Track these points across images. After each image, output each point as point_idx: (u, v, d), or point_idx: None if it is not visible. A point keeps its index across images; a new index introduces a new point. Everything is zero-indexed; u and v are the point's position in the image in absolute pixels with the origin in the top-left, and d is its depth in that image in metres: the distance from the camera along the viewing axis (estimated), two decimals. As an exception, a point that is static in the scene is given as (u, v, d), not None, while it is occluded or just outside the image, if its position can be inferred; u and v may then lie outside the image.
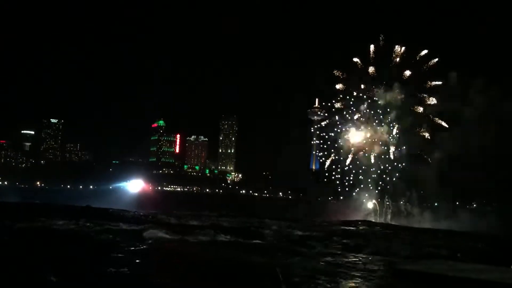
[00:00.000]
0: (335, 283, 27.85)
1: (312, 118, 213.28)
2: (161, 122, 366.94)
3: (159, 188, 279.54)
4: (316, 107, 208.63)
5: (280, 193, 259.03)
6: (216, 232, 51.45)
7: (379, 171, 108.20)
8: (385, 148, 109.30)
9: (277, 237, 51.69)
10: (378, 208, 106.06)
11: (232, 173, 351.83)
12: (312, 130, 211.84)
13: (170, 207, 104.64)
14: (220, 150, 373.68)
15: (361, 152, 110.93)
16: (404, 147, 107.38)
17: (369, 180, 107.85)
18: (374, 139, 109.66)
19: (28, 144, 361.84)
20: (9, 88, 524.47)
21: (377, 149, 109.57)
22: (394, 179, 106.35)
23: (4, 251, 34.58)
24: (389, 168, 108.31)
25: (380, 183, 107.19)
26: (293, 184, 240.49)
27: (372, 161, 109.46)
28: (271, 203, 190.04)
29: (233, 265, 33.31)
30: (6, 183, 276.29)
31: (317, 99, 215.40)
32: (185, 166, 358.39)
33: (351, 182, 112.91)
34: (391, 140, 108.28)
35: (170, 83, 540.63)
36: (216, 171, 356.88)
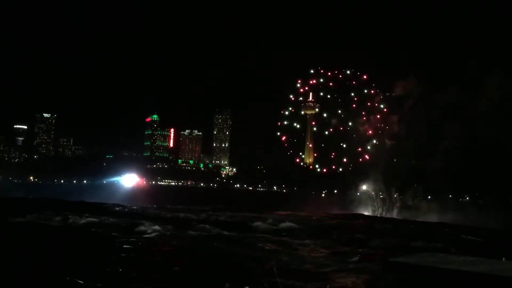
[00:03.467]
0: (326, 276, 28.00)
1: (306, 112, 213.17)
2: (155, 117, 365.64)
3: (153, 182, 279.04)
4: (310, 101, 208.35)
5: (275, 187, 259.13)
6: (209, 226, 51.67)
7: (384, 163, 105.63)
8: (394, 140, 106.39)
9: (270, 231, 51.89)
10: (375, 202, 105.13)
11: (226, 167, 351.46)
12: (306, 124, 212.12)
13: (164, 202, 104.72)
14: (214, 144, 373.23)
15: (371, 143, 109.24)
16: (413, 139, 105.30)
17: (373, 172, 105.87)
18: (384, 130, 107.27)
19: (21, 138, 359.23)
20: (1, 82, 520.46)
21: (385, 140, 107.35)
22: (400, 171, 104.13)
23: (2, 246, 34.60)
24: (397, 160, 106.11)
25: (386, 175, 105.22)
26: (287, 178, 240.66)
27: (378, 152, 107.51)
28: (264, 196, 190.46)
29: (226, 259, 33.37)
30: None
31: (311, 93, 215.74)
32: (179, 160, 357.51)
33: (353, 174, 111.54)
34: (400, 131, 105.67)
35: (164, 78, 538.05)
36: (210, 165, 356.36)
